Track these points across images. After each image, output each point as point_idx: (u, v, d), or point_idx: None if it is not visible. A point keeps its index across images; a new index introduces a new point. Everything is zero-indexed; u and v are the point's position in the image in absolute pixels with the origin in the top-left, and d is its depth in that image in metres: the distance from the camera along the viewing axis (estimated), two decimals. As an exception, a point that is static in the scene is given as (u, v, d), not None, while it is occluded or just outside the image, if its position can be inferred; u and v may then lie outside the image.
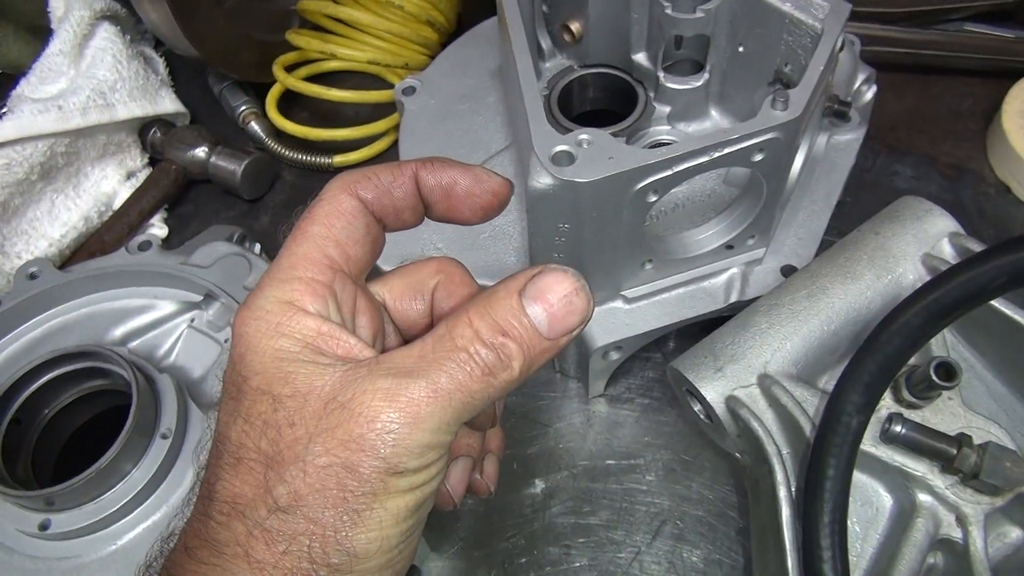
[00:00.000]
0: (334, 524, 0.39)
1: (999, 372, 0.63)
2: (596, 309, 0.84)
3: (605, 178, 0.68)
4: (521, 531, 0.85)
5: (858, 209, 1.03)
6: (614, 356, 0.87)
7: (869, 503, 0.60)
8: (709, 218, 0.86)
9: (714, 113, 0.95)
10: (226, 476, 0.41)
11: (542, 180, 0.70)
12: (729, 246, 0.84)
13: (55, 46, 1.07)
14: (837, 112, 0.90)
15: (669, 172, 0.70)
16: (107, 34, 1.12)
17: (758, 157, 0.72)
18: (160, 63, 1.26)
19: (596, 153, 0.69)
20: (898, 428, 0.55)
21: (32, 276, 0.87)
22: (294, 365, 0.41)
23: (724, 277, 0.85)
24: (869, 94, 1.00)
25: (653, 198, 0.72)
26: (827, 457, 0.49)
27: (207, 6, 1.07)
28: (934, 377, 0.53)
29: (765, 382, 0.60)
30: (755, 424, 0.58)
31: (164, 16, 1.02)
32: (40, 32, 1.17)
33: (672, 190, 0.90)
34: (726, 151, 0.70)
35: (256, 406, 0.41)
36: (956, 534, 0.56)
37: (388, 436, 0.38)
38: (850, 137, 0.94)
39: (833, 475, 0.49)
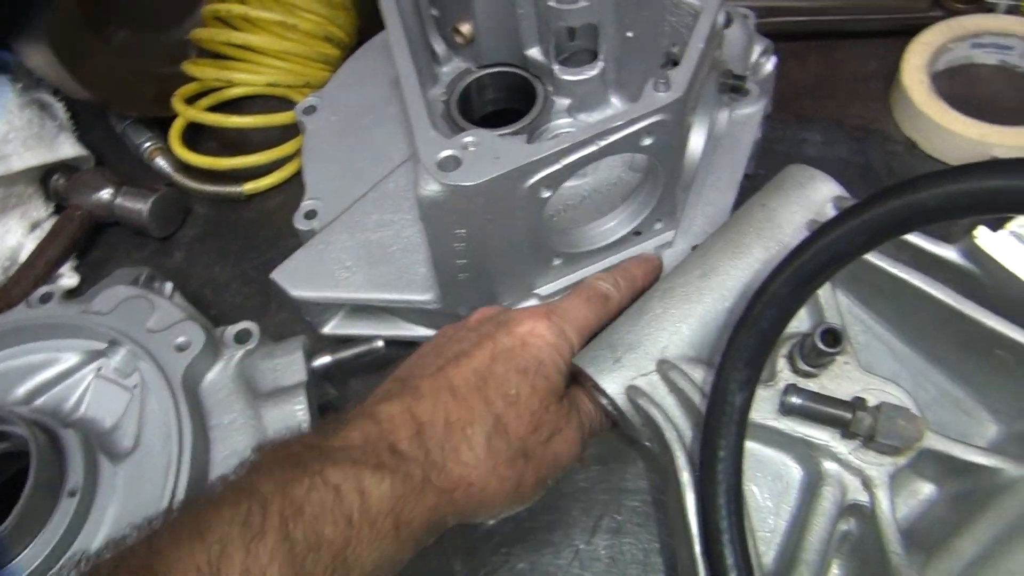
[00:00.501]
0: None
1: (896, 330, 0.62)
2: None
3: (493, 179, 0.67)
4: (458, 541, 0.83)
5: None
6: (535, 356, 0.85)
7: (779, 477, 0.59)
8: (612, 208, 0.85)
9: (614, 100, 0.95)
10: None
11: (429, 188, 0.69)
12: (637, 232, 0.83)
13: (-61, 101, 1.04)
14: (733, 87, 0.90)
15: (558, 166, 0.69)
16: (-6, 84, 1.09)
17: (647, 141, 0.71)
18: (59, 107, 1.22)
19: (482, 155, 0.68)
20: (794, 399, 0.54)
21: (-74, 344, 0.84)
22: None
23: (636, 264, 0.84)
24: (769, 66, 1.00)
25: (547, 194, 0.71)
26: (716, 439, 0.48)
27: (94, 47, 1.04)
28: (820, 344, 0.52)
29: (664, 367, 0.59)
30: (654, 411, 0.57)
31: (49, 61, 0.99)
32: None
33: (577, 183, 0.90)
34: (612, 139, 0.69)
35: None
36: (863, 498, 0.55)
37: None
38: (751, 111, 0.94)
39: (724, 456, 0.48)
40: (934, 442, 0.55)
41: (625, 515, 0.82)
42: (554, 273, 0.83)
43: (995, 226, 0.57)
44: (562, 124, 0.93)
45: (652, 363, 0.59)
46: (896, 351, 0.62)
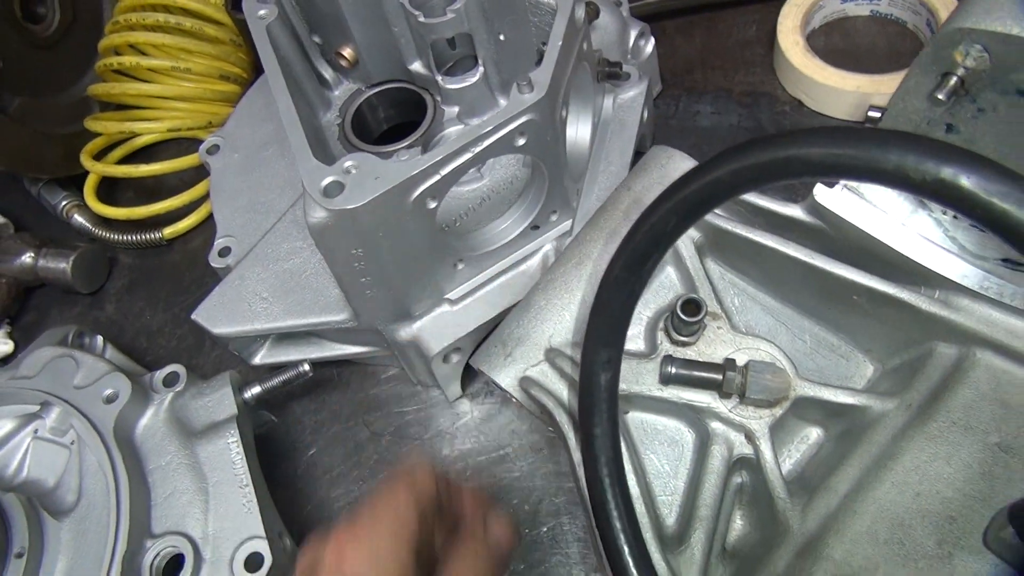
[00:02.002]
0: None
1: (765, 288, 0.66)
2: (425, 317, 0.87)
3: (375, 198, 0.69)
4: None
5: (668, 157, 1.07)
6: (456, 358, 0.88)
7: (675, 443, 0.63)
8: (512, 204, 0.88)
9: (502, 101, 0.97)
10: None
11: (317, 215, 0.71)
12: (535, 227, 0.86)
13: None
14: (610, 74, 0.93)
15: (437, 177, 0.72)
16: (-101, 165, 1.10)
17: (521, 141, 0.74)
18: (-30, 178, 1.23)
19: (362, 176, 0.71)
20: (669, 369, 0.58)
21: None
22: None
23: (539, 257, 0.87)
24: (648, 47, 1.04)
25: (433, 204, 0.74)
26: (590, 418, 0.51)
27: (-11, 117, 1.05)
28: (681, 315, 0.56)
29: (551, 356, 0.62)
30: (545, 399, 0.60)
31: (-56, 137, 1.00)
32: None
33: (475, 186, 0.93)
34: (485, 144, 0.72)
35: None
36: (748, 451, 0.59)
37: None
38: (633, 93, 0.98)
39: (599, 433, 0.51)
40: (805, 389, 0.59)
41: (562, 497, 0.86)
42: (460, 276, 0.86)
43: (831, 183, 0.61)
44: (454, 132, 0.96)
45: (541, 353, 0.63)
46: (770, 308, 0.66)
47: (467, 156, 0.72)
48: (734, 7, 1.19)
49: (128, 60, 1.09)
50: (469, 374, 0.94)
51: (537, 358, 0.63)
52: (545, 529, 0.84)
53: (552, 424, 0.62)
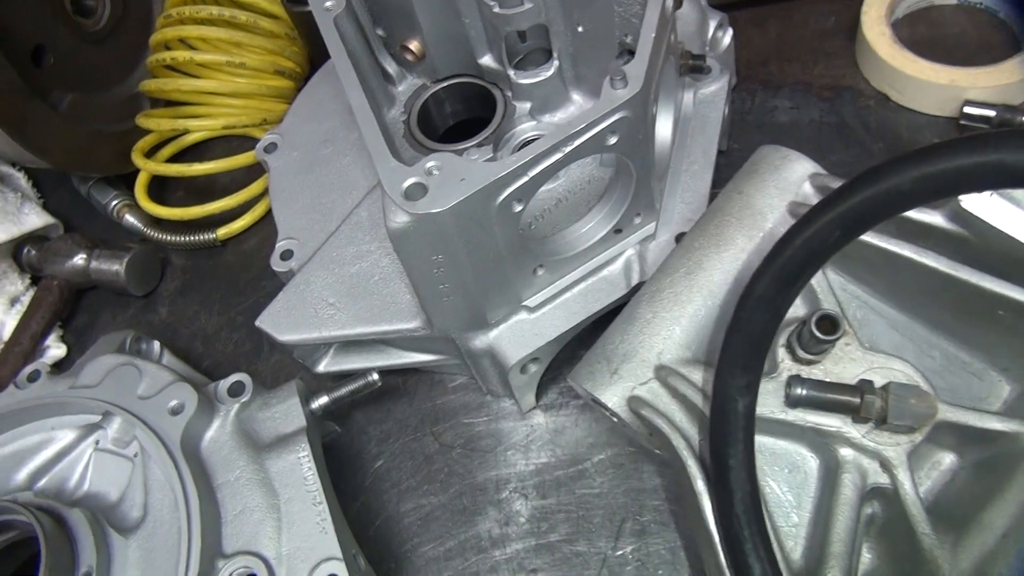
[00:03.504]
0: None
1: (893, 302, 0.61)
2: (502, 325, 0.82)
3: (461, 202, 0.65)
4: (484, 564, 0.82)
5: (745, 154, 1.01)
6: (533, 368, 0.84)
7: (797, 468, 0.58)
8: (591, 207, 0.83)
9: (575, 96, 0.93)
10: None
11: (399, 219, 0.67)
12: (617, 230, 0.82)
13: None
14: (693, 67, 0.88)
15: (525, 179, 0.68)
16: (-51, 166, 1.07)
17: (613, 140, 0.70)
18: (20, 177, 1.20)
19: (447, 178, 0.66)
20: (799, 391, 0.53)
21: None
22: None
23: (621, 262, 0.83)
24: (726, 39, 0.99)
25: (519, 207, 0.70)
26: (724, 448, 0.47)
27: (42, 114, 1.02)
28: (817, 332, 0.51)
29: (662, 373, 0.58)
30: (659, 421, 0.56)
31: (-1, 137, 0.97)
32: None
33: (551, 187, 0.89)
34: (577, 143, 0.68)
35: None
36: (884, 480, 0.54)
37: None
38: (715, 88, 0.93)
39: (734, 464, 0.46)
40: (949, 414, 0.54)
41: (648, 516, 0.81)
42: (540, 283, 0.81)
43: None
44: (526, 128, 0.92)
45: (650, 370, 0.58)
46: (896, 323, 0.61)
47: (557, 156, 0.68)
48: (810, -4, 1.13)
49: (180, 55, 1.06)
50: (542, 384, 0.90)
51: (646, 376, 0.58)
52: (630, 550, 0.80)
53: (664, 447, 0.58)
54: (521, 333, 0.82)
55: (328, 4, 0.84)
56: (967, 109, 0.93)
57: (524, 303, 0.82)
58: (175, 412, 0.80)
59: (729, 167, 1.01)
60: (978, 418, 0.54)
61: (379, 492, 0.90)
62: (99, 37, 1.12)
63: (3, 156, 1.07)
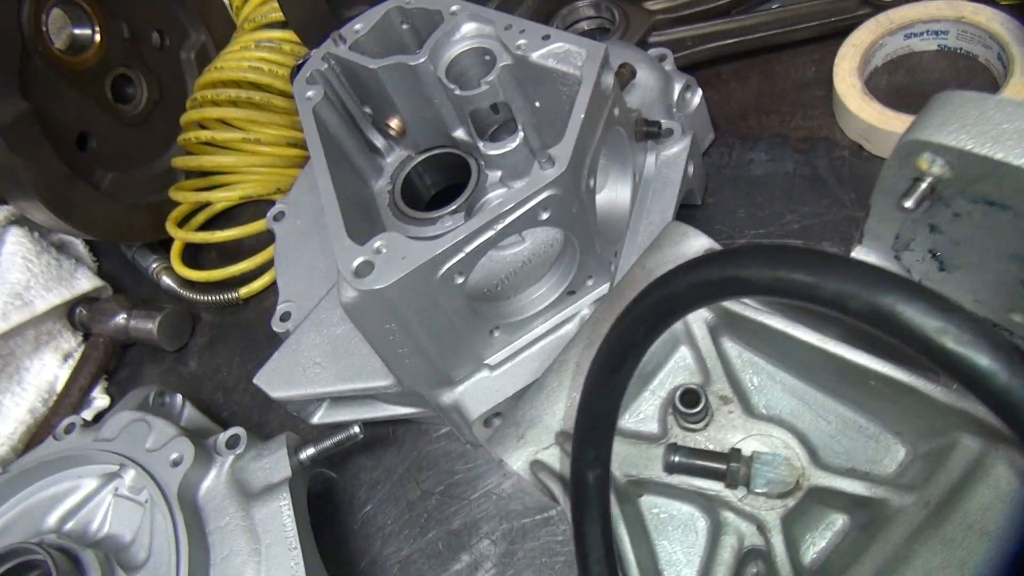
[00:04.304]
0: None
1: (785, 368, 0.64)
2: (466, 382, 0.89)
3: (402, 278, 0.72)
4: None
5: (721, 208, 1.06)
6: (496, 422, 0.90)
7: (688, 528, 0.62)
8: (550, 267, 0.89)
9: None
10: None
11: (348, 295, 0.75)
12: (571, 291, 0.87)
13: (-36, 264, 1.17)
14: (648, 134, 0.93)
15: (462, 254, 0.74)
16: (15, 238, 1.22)
17: (545, 215, 0.76)
18: (79, 244, 1.35)
19: (391, 256, 0.74)
20: (673, 458, 0.57)
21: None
22: None
23: (576, 321, 0.87)
24: (695, 100, 1.03)
25: (460, 279, 0.76)
26: (580, 515, 0.51)
27: (85, 194, 1.15)
28: (679, 406, 0.55)
29: (561, 439, 0.63)
30: (551, 483, 0.60)
31: (47, 217, 1.10)
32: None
33: (517, 249, 0.95)
34: (508, 221, 0.74)
35: None
36: (759, 542, 0.57)
37: None
38: (677, 149, 0.96)
39: (589, 531, 0.51)
40: (820, 479, 0.57)
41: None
42: (498, 343, 0.87)
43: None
44: (497, 195, 0.98)
45: (551, 436, 0.63)
46: (792, 388, 0.63)
47: (489, 234, 0.74)
48: (792, 48, 1.16)
49: (204, 135, 1.18)
50: (516, 434, 0.95)
51: (548, 441, 0.63)
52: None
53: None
54: (483, 389, 0.88)
55: (309, 94, 0.93)
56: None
57: (486, 361, 0.88)
58: (175, 464, 0.89)
59: (704, 220, 1.05)
60: (847, 483, 0.56)
61: (366, 536, 0.97)
62: (137, 121, 1.26)
63: (54, 230, 1.21)
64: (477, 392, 0.88)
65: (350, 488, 1.01)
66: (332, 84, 0.97)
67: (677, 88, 1.00)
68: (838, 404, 0.63)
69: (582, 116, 0.77)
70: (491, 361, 0.88)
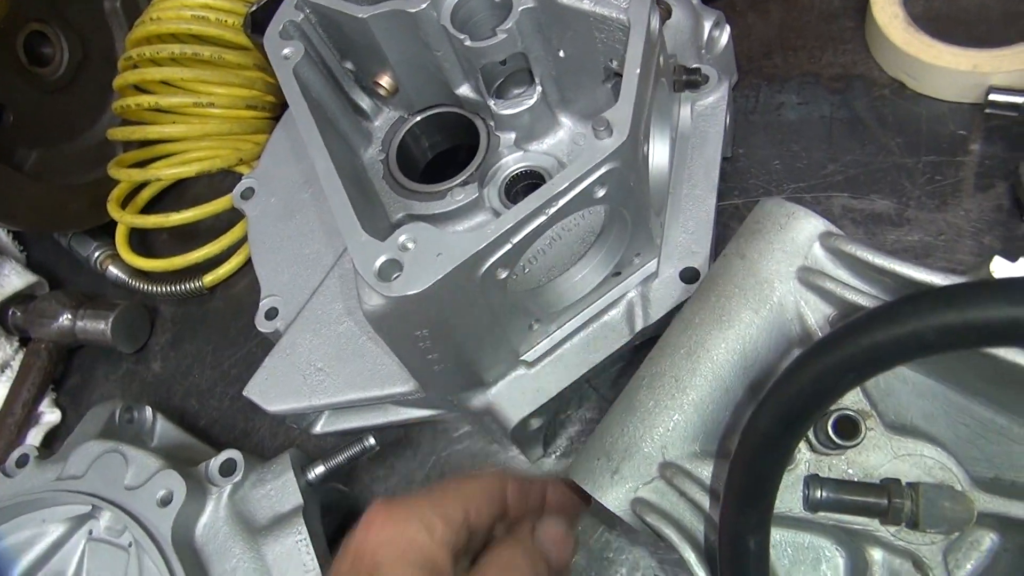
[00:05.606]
0: None
1: (918, 367, 0.54)
2: (500, 383, 0.77)
3: (439, 280, 0.60)
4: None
5: (753, 160, 0.95)
6: (536, 424, 0.79)
7: (822, 563, 0.53)
8: (590, 242, 0.77)
9: (564, 120, 0.85)
10: None
11: (372, 301, 0.62)
12: (616, 272, 0.76)
13: None
14: (688, 83, 0.81)
15: (508, 246, 0.62)
16: (-78, 234, 1.03)
17: (601, 192, 0.63)
18: (1, 233, 1.16)
19: (422, 253, 0.60)
20: (818, 493, 0.48)
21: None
22: None
23: (622, 306, 0.77)
24: (724, 38, 0.91)
25: (504, 274, 0.64)
26: (736, 589, 0.42)
27: (5, 177, 0.97)
28: (834, 436, 0.45)
29: (668, 472, 0.52)
30: (667, 530, 0.50)
31: (-39, 206, 0.92)
32: None
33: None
34: (561, 203, 0.62)
35: None
36: (918, 583, 0.49)
37: None
38: (714, 98, 0.85)
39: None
40: (987, 504, 0.49)
41: (669, 570, 0.77)
42: (536, 336, 0.76)
43: (1014, 256, 0.49)
44: (512, 159, 0.85)
45: (654, 467, 0.53)
46: (923, 389, 0.54)
47: (540, 219, 0.62)
48: (814, -27, 1.04)
49: (145, 100, 1.00)
50: (549, 430, 0.85)
51: (650, 474, 0.53)
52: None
53: (669, 547, 0.53)
54: (521, 391, 0.77)
55: (286, 51, 0.77)
56: (992, 96, 0.85)
57: (522, 358, 0.77)
58: (164, 502, 0.76)
59: (736, 175, 0.94)
60: (1020, 508, 0.48)
61: (388, 555, 0.86)
62: (59, 86, 1.06)
63: (-28, 224, 1.03)
64: (514, 393, 0.77)
65: (362, 502, 0.90)
66: (310, 38, 0.81)
67: (707, 26, 0.88)
68: (976, 404, 0.54)
69: (637, 71, 0.64)
70: (528, 357, 0.77)
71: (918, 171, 0.87)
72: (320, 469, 0.81)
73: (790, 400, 0.37)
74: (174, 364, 1.06)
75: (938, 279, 0.47)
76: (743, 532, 0.41)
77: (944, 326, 0.30)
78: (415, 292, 0.59)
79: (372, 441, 0.81)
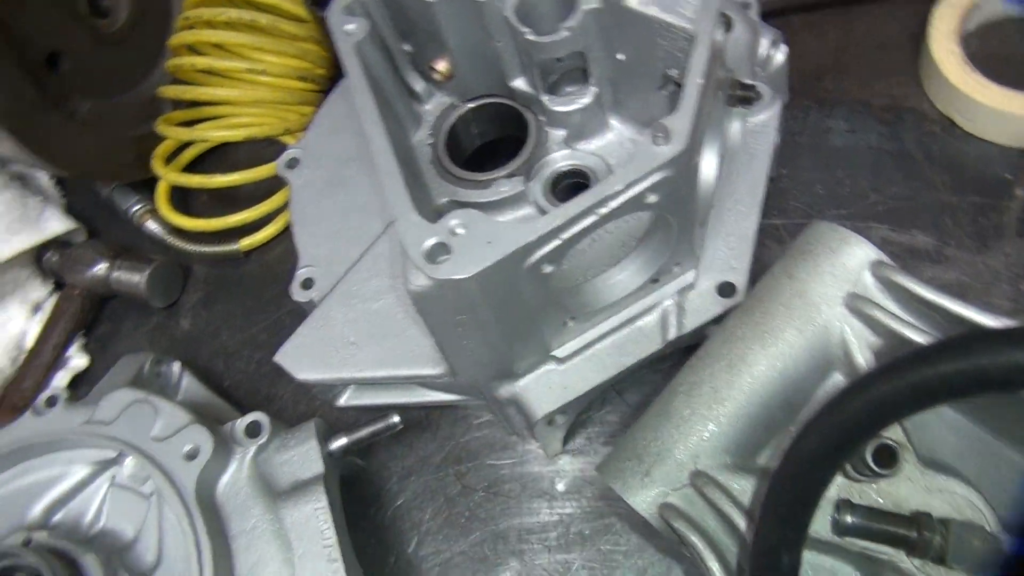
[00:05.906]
0: None
1: (954, 406, 0.55)
2: (529, 376, 0.78)
3: (487, 268, 0.61)
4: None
5: (795, 182, 0.96)
6: (560, 420, 0.80)
7: (840, 587, 0.53)
8: (631, 245, 0.78)
9: (614, 123, 0.87)
10: None
11: (418, 282, 0.63)
12: (654, 279, 0.77)
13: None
14: (743, 99, 0.81)
15: (557, 242, 0.63)
16: (-29, 171, 1.05)
17: (653, 199, 0.64)
18: (42, 176, 1.18)
19: (472, 240, 0.62)
20: (848, 518, 0.49)
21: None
22: None
23: (657, 313, 0.78)
24: (780, 57, 0.91)
25: (549, 269, 0.65)
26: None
27: (59, 124, 0.98)
28: (872, 464, 0.46)
29: (698, 481, 0.53)
30: (695, 538, 0.51)
31: (12, 147, 0.93)
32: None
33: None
34: (613, 205, 0.63)
35: None
36: (937, 615, 0.50)
37: None
38: (765, 116, 0.86)
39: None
40: (1012, 547, 0.49)
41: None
42: (569, 333, 0.77)
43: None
44: (560, 157, 0.86)
45: (685, 475, 0.54)
46: (957, 427, 0.55)
47: (591, 219, 0.63)
48: (873, 1, 1.04)
49: (199, 61, 1.01)
50: (569, 428, 0.86)
51: (680, 481, 0.54)
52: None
53: (694, 555, 0.54)
54: (549, 385, 0.78)
55: (349, 27, 0.78)
56: (1044, 144, 0.86)
57: (553, 353, 0.78)
58: (190, 456, 0.77)
59: (777, 195, 0.95)
60: (1047, 555, 0.49)
61: (398, 532, 0.87)
62: (117, 39, 1.08)
63: (19, 163, 1.04)
64: (541, 387, 0.78)
65: (378, 478, 0.91)
66: (373, 16, 0.82)
67: (765, 44, 0.89)
68: (1010, 449, 0.55)
69: (700, 81, 0.65)
70: (559, 353, 0.78)
71: (961, 211, 0.87)
72: (343, 441, 0.83)
73: (845, 421, 0.38)
74: (204, 323, 1.08)
75: (989, 320, 0.48)
76: (778, 547, 0.42)
77: (1016, 365, 0.31)
78: (462, 277, 0.60)
79: (396, 419, 0.82)
